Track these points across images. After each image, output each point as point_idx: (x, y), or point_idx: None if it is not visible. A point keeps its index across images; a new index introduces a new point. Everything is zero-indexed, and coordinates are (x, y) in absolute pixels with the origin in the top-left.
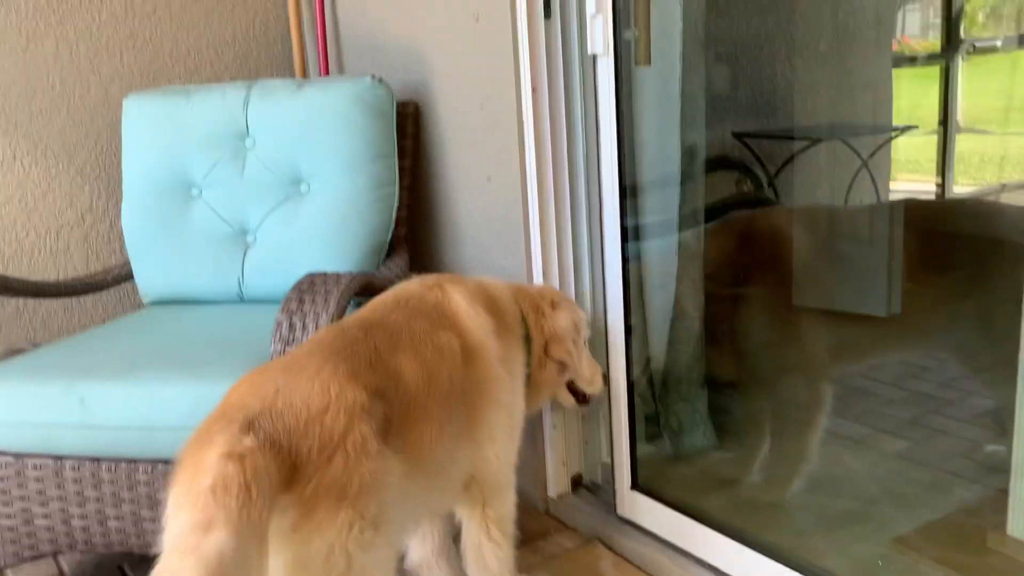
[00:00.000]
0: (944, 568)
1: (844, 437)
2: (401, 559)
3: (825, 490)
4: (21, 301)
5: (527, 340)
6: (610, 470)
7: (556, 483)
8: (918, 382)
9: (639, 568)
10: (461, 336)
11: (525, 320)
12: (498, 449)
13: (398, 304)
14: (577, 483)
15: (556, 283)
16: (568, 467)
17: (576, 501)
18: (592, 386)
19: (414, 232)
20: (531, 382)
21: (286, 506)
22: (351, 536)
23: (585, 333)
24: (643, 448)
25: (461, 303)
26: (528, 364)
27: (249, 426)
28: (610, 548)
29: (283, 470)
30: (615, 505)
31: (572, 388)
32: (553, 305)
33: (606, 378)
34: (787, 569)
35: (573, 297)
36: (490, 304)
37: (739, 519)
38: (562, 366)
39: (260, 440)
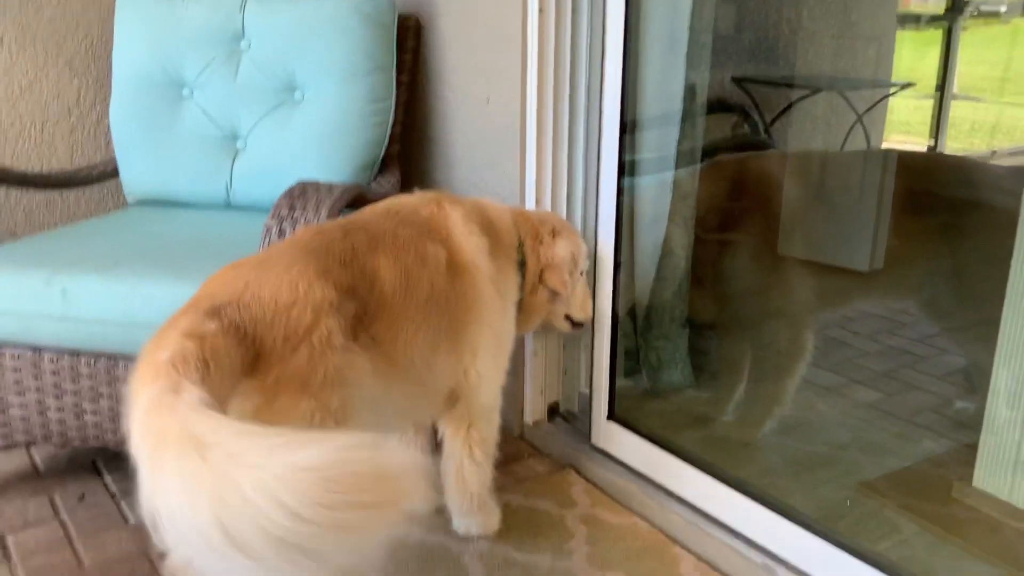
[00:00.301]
0: (909, 514)
1: (818, 385)
2: None
3: (797, 434)
4: (2, 192)
5: (523, 265)
6: (587, 400)
7: (533, 410)
8: (894, 337)
9: (610, 496)
10: (451, 251)
11: (522, 245)
12: (479, 366)
13: (389, 213)
14: (554, 411)
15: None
16: (546, 395)
17: (551, 428)
18: (583, 312)
19: (407, 150)
20: (523, 306)
21: (249, 391)
22: (311, 425)
23: (583, 264)
24: (621, 382)
25: (457, 220)
26: (522, 288)
27: (214, 312)
28: (582, 475)
29: (246, 356)
30: (590, 434)
31: (565, 315)
32: (554, 233)
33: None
34: (755, 504)
35: None
36: (486, 225)
37: (711, 455)
38: (554, 293)
39: (224, 325)
